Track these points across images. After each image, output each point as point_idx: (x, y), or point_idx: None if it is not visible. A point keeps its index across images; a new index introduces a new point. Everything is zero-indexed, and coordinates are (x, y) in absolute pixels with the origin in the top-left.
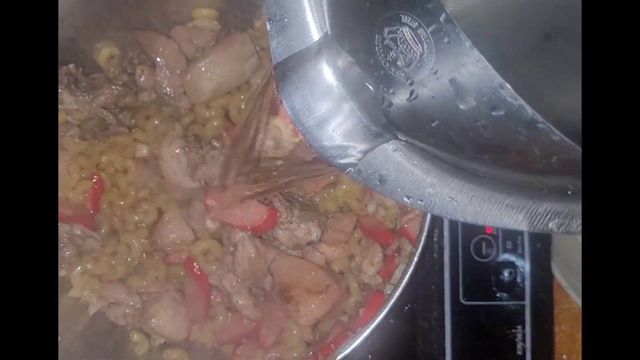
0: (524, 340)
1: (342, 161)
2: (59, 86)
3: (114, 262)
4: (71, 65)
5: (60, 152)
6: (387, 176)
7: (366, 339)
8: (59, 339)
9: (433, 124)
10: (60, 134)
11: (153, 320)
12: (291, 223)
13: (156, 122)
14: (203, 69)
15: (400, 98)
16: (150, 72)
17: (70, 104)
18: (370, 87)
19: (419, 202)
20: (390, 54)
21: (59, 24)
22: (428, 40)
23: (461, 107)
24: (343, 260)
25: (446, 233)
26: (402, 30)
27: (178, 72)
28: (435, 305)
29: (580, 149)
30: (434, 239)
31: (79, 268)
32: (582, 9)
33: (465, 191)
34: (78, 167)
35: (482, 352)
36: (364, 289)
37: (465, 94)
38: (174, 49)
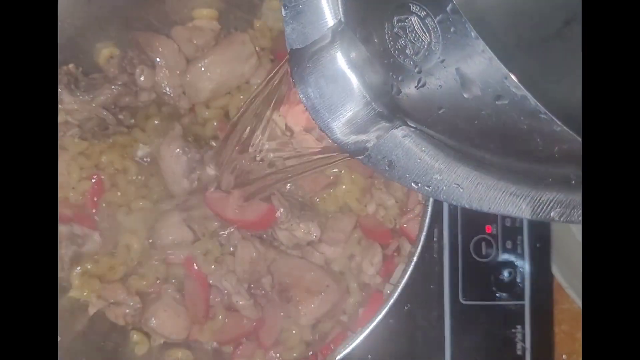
0: (523, 340)
1: (353, 146)
2: (59, 86)
3: (113, 262)
4: (71, 65)
5: (60, 152)
6: (396, 162)
7: (366, 338)
8: (59, 339)
9: (440, 112)
10: (60, 134)
11: (153, 320)
12: (291, 224)
13: (156, 122)
14: (203, 69)
15: (408, 86)
16: (150, 72)
17: (70, 104)
18: (381, 74)
19: (426, 187)
20: (400, 42)
21: (59, 23)
22: (435, 29)
23: (466, 96)
24: (343, 260)
25: (446, 233)
26: (410, 19)
27: (178, 72)
28: (435, 305)
29: (581, 140)
30: (434, 239)
31: (78, 268)
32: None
33: (472, 178)
34: (78, 167)
35: (482, 352)
36: (363, 289)
37: (471, 83)
38: (174, 49)
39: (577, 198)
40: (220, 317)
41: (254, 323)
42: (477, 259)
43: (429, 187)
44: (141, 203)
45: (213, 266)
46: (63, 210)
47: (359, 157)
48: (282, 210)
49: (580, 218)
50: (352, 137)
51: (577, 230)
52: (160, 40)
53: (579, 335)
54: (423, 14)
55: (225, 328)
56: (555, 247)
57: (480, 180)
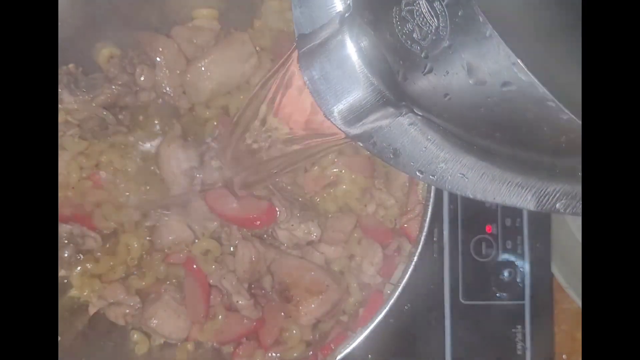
0: (523, 340)
1: (357, 132)
2: (59, 86)
3: (113, 262)
4: (71, 65)
5: (60, 152)
6: (401, 150)
7: (366, 338)
8: (59, 339)
9: (446, 98)
10: (60, 133)
11: (153, 320)
12: (291, 224)
13: (156, 122)
14: (203, 69)
15: (415, 71)
16: (150, 72)
17: (70, 104)
18: (388, 60)
19: (430, 177)
20: (407, 26)
21: (59, 24)
22: (443, 13)
23: (473, 82)
24: (343, 260)
25: (446, 233)
26: (419, 3)
27: (178, 71)
28: (435, 305)
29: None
30: (434, 239)
31: (78, 268)
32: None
33: (477, 168)
34: (78, 167)
35: (482, 351)
36: (363, 289)
37: (478, 69)
38: (174, 49)
39: None
40: (220, 317)
41: (254, 323)
42: (477, 258)
43: (433, 176)
44: (141, 203)
45: (213, 266)
46: (63, 210)
47: (364, 144)
48: (282, 210)
49: None
50: (356, 124)
51: (577, 230)
52: (160, 40)
53: (579, 335)
54: None
55: (225, 328)
56: (555, 247)
57: (486, 170)
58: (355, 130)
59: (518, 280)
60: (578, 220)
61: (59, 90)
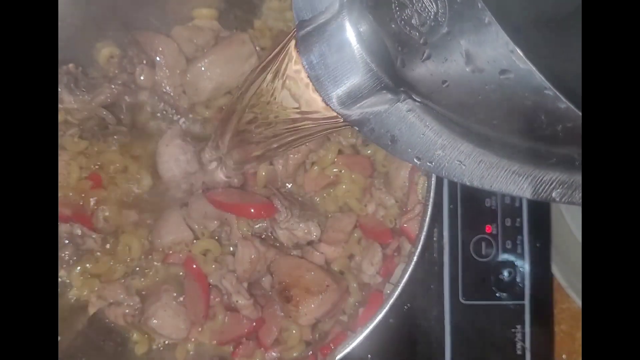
0: (523, 340)
1: (355, 118)
2: (59, 85)
3: (113, 262)
4: (71, 65)
5: (59, 152)
6: (399, 136)
7: (366, 338)
8: (59, 339)
9: (444, 85)
10: (59, 133)
11: (153, 320)
12: (291, 223)
13: (155, 122)
14: (203, 69)
15: (413, 58)
16: (150, 72)
17: (70, 104)
18: (386, 46)
19: (428, 163)
20: (406, 12)
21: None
22: None
23: (471, 69)
24: (343, 260)
25: (446, 233)
26: None
27: (178, 71)
28: (435, 305)
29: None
30: (434, 239)
31: (78, 268)
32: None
33: (474, 155)
34: (78, 167)
35: (482, 351)
36: (363, 289)
37: (476, 56)
38: (174, 49)
39: (579, 179)
40: (220, 317)
41: (254, 323)
42: (477, 258)
43: (431, 162)
44: (141, 202)
45: (213, 266)
46: (63, 210)
47: (362, 130)
48: (282, 209)
49: (581, 199)
50: (354, 109)
51: (577, 230)
52: (160, 39)
53: (579, 335)
54: None
55: (225, 328)
56: (555, 247)
57: (483, 157)
58: (353, 115)
59: (518, 280)
60: (578, 220)
61: (59, 89)
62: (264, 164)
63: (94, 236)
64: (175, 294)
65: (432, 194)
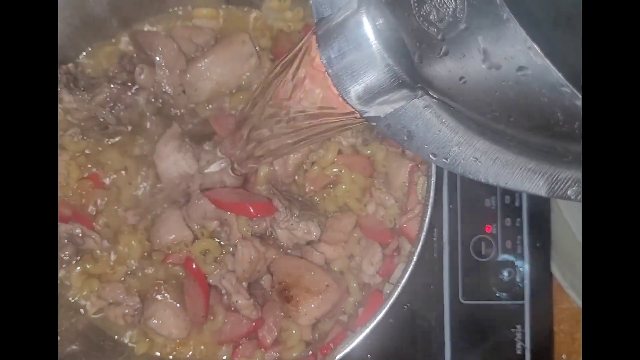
0: (523, 340)
1: (372, 113)
2: (59, 85)
3: (113, 262)
4: (70, 65)
5: (59, 152)
6: (416, 132)
7: (365, 338)
8: (59, 338)
9: (461, 82)
10: (59, 133)
11: (153, 320)
12: (291, 223)
13: (155, 121)
14: (203, 69)
15: (431, 54)
16: (150, 71)
17: (70, 103)
18: (404, 42)
19: (443, 160)
20: (425, 7)
21: (59, 23)
22: None
23: (488, 66)
24: (342, 260)
25: (446, 233)
26: None
27: (177, 71)
28: (435, 305)
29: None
30: (434, 239)
31: (78, 268)
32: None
33: (490, 153)
34: (77, 167)
35: (482, 351)
36: (363, 289)
37: (494, 53)
38: (174, 48)
39: None
40: (220, 317)
41: (254, 323)
42: (477, 258)
43: (446, 159)
44: (140, 202)
45: (212, 266)
46: (63, 210)
47: (378, 126)
48: (282, 209)
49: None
50: (372, 105)
51: (577, 230)
52: (160, 39)
53: (579, 335)
54: None
55: (225, 328)
56: (555, 247)
57: (499, 154)
58: (370, 111)
59: (518, 280)
60: (578, 220)
61: (59, 89)
62: (264, 165)
63: (94, 236)
64: (175, 294)
65: (432, 194)
